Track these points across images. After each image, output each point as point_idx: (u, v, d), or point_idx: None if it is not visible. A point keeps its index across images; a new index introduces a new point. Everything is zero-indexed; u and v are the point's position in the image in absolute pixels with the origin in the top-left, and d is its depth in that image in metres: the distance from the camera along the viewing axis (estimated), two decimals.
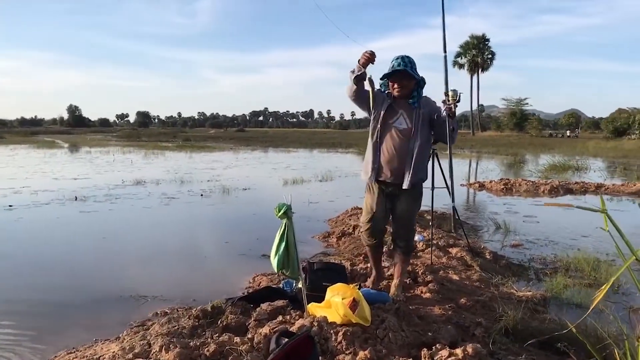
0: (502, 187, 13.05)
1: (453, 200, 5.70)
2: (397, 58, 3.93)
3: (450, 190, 5.65)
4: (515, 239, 7.11)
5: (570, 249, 6.55)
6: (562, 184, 12.97)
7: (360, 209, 8.99)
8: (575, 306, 4.51)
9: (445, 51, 5.65)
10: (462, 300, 4.04)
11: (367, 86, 3.93)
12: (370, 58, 3.65)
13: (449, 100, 4.27)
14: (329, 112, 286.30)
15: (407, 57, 3.94)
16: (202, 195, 11.42)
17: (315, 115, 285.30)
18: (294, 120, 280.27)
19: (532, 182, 13.56)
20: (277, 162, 22.98)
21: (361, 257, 5.60)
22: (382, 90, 4.09)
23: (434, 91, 4.28)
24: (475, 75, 69.54)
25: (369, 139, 4.03)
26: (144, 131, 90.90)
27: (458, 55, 67.98)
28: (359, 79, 3.74)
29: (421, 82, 4.00)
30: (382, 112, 3.96)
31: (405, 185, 3.91)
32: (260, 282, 4.97)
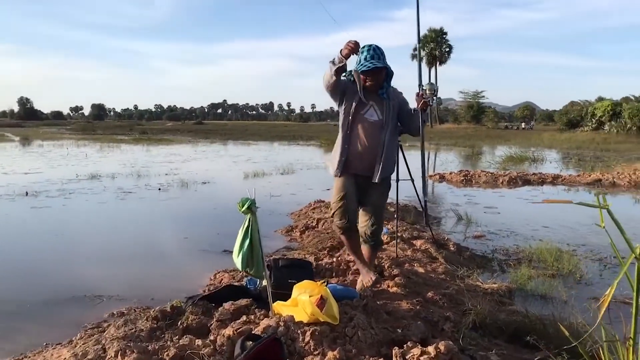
0: (462, 178, 13.16)
1: (425, 195, 5.49)
2: (369, 49, 3.72)
3: (423, 184, 5.45)
4: (477, 230, 7.13)
5: (532, 239, 6.59)
6: (520, 175, 13.15)
7: (323, 201, 8.96)
8: (540, 297, 4.51)
9: (419, 42, 5.39)
10: (429, 294, 3.97)
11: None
12: (354, 49, 3.51)
13: (426, 94, 4.22)
14: (289, 104, 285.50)
15: (378, 48, 3.75)
16: (159, 189, 11.12)
17: (276, 108, 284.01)
18: (254, 112, 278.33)
19: (491, 173, 13.73)
20: (237, 155, 22.68)
21: (325, 252, 5.49)
22: (351, 80, 3.92)
23: (394, 84, 4.16)
24: (433, 68, 70.31)
25: (340, 131, 3.91)
26: (99, 124, 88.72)
27: (416, 48, 68.61)
28: (340, 71, 3.60)
29: (390, 73, 3.89)
30: (353, 104, 3.82)
31: (375, 179, 3.82)
32: (222, 279, 4.80)
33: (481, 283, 4.59)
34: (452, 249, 5.65)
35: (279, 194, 10.57)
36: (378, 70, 3.76)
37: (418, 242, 5.71)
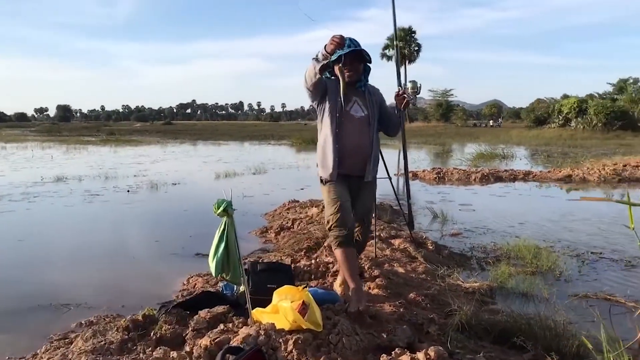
0: (435, 176, 13.15)
1: (409, 197, 5.21)
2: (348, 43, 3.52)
3: (407, 188, 5.22)
4: (454, 228, 7.08)
5: (509, 236, 6.56)
6: (491, 172, 13.21)
7: (298, 201, 8.81)
8: (521, 295, 4.44)
9: (396, 38, 5.09)
10: (411, 295, 3.86)
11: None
12: (339, 44, 3.22)
13: (408, 92, 3.91)
14: (259, 104, 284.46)
15: (354, 39, 3.58)
16: (128, 191, 10.82)
17: (246, 108, 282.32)
18: (224, 112, 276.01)
19: (464, 170, 13.77)
20: (207, 155, 22.36)
21: (302, 253, 5.35)
22: (329, 76, 3.70)
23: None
24: (403, 67, 70.63)
25: (327, 130, 3.58)
26: (65, 125, 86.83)
27: (386, 47, 68.78)
28: (324, 68, 3.34)
29: (367, 68, 3.72)
30: (340, 100, 3.54)
31: (368, 177, 3.64)
32: (196, 284, 4.62)
33: (462, 282, 4.50)
34: (430, 247, 5.56)
35: (252, 194, 10.38)
36: (358, 59, 3.58)
37: (396, 242, 5.61)
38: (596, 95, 57.91)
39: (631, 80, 73.00)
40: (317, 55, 3.34)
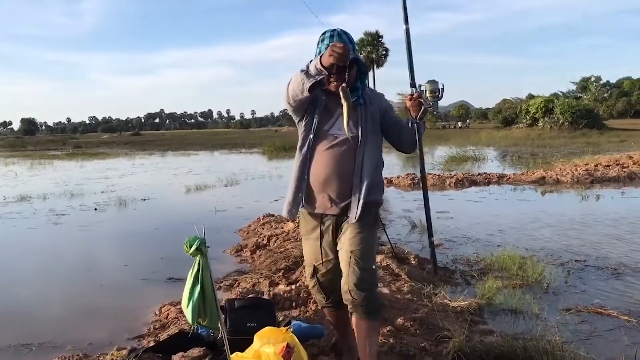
0: (410, 182, 13.00)
1: (431, 235, 3.74)
2: (332, 35, 2.69)
3: (428, 222, 3.75)
4: (435, 239, 6.89)
5: (491, 246, 6.43)
6: (466, 176, 13.14)
7: (273, 215, 8.54)
8: (510, 312, 4.28)
9: (406, 21, 3.45)
10: (399, 320, 3.66)
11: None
12: (343, 56, 2.35)
13: (425, 96, 2.79)
14: (228, 111, 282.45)
15: (345, 32, 2.71)
16: (96, 209, 10.40)
17: (215, 115, 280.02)
18: (192, 121, 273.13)
19: (438, 175, 13.67)
20: (177, 166, 21.90)
21: (281, 274, 5.10)
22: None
23: None
24: (371, 72, 70.90)
25: (297, 154, 2.81)
26: (30, 139, 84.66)
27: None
28: (316, 85, 2.51)
29: (363, 68, 2.78)
30: (315, 117, 2.73)
31: (353, 218, 2.65)
32: (169, 314, 4.34)
33: (450, 301, 4.32)
34: (413, 262, 5.38)
35: (225, 208, 10.08)
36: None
37: (377, 258, 5.40)
38: (560, 94, 58.97)
39: (593, 79, 74.86)
40: (307, 67, 2.53)
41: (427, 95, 2.79)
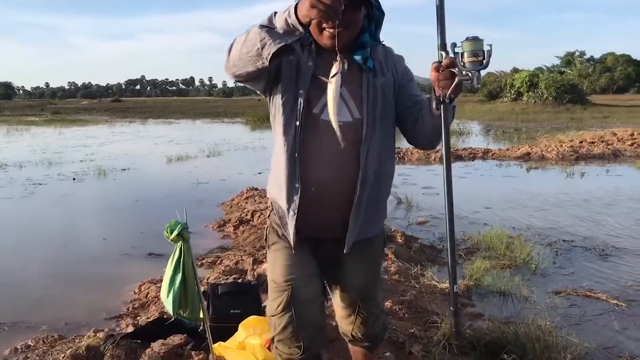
0: (395, 156, 12.88)
1: (453, 250, 2.04)
2: None
3: (451, 242, 2.05)
4: (420, 216, 6.81)
5: (477, 223, 6.36)
6: (451, 150, 13.04)
7: (257, 189, 8.35)
8: (499, 294, 4.21)
9: None
10: (387, 303, 3.56)
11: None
12: (332, 8, 1.48)
13: (461, 64, 1.69)
14: (210, 79, 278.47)
15: None
16: (74, 179, 10.15)
17: (197, 83, 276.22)
18: (174, 88, 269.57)
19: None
20: (158, 135, 21.52)
21: (264, 251, 4.96)
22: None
23: None
24: None
25: (280, 150, 1.88)
26: (7, 104, 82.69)
27: None
28: (284, 51, 1.64)
29: (375, 13, 1.92)
30: (300, 94, 1.83)
31: (350, 242, 1.89)
32: (148, 293, 4.20)
33: (437, 282, 4.25)
34: (400, 241, 5.28)
35: (207, 180, 9.88)
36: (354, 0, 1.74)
37: None
38: (545, 68, 59.08)
39: (577, 53, 75.01)
40: (270, 21, 1.63)
41: (465, 60, 1.70)
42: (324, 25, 1.76)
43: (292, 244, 1.89)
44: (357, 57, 1.83)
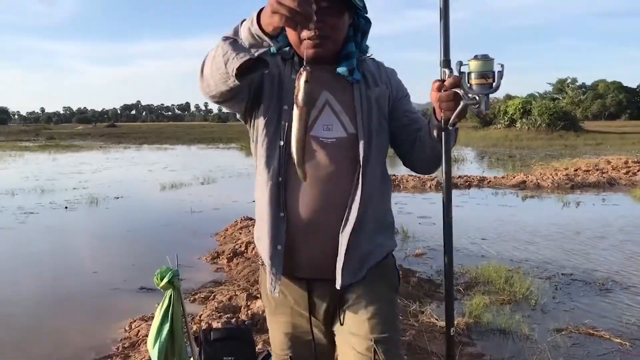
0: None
1: (450, 294, 1.82)
2: None
3: (447, 272, 1.84)
4: (417, 247, 6.72)
5: (475, 256, 6.27)
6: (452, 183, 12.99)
7: (251, 219, 8.24)
8: (499, 332, 4.10)
9: None
10: None
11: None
12: (298, 13, 1.22)
13: (465, 84, 1.49)
14: (206, 104, 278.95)
15: None
16: (66, 207, 10.01)
17: (192, 108, 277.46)
18: (170, 113, 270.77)
19: (418, 177, 13.48)
20: (152, 161, 21.43)
21: (258, 285, 4.85)
22: (271, 50, 1.49)
23: None
24: None
25: (261, 177, 1.66)
26: (2, 129, 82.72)
27: None
28: (257, 67, 1.43)
29: (361, 22, 1.72)
30: (282, 111, 1.63)
31: (346, 280, 1.62)
32: (139, 331, 4.07)
33: (437, 320, 4.14)
34: None
35: (201, 209, 9.77)
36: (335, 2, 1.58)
37: None
38: (537, 94, 59.56)
39: (569, 80, 75.82)
40: (235, 31, 1.40)
41: (472, 82, 1.48)
42: (302, 34, 1.58)
43: (275, 291, 1.64)
44: (342, 69, 1.65)
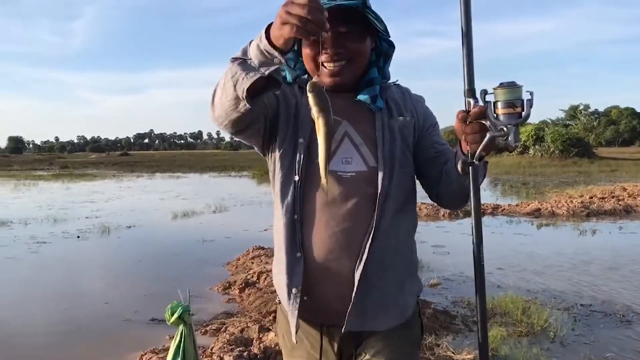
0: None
1: (485, 341, 1.70)
2: None
3: (480, 314, 1.71)
4: (432, 278, 6.62)
5: (491, 286, 6.14)
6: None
7: (263, 247, 8.20)
8: None
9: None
10: None
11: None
12: (310, 21, 1.12)
13: (491, 114, 1.38)
14: (218, 132, 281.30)
15: None
16: (78, 237, 10.02)
17: (205, 137, 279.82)
18: (182, 142, 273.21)
19: (431, 205, 13.40)
20: (165, 190, 21.48)
21: (271, 317, 4.78)
22: (287, 79, 1.62)
23: None
24: None
25: (277, 210, 1.58)
26: (17, 158, 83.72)
27: None
28: (271, 86, 1.34)
29: (383, 46, 1.63)
30: (299, 143, 1.55)
31: (351, 326, 1.54)
32: None
33: (453, 353, 4.04)
34: None
35: (212, 238, 9.73)
36: (346, 23, 1.48)
37: None
38: (549, 121, 59.43)
39: (582, 107, 75.70)
40: (244, 52, 1.30)
41: (499, 111, 1.37)
42: (321, 59, 1.49)
43: (293, 337, 1.55)
44: (364, 97, 1.56)
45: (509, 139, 1.36)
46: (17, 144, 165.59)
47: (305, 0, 1.12)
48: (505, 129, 1.35)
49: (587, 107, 75.76)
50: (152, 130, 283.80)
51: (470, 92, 1.45)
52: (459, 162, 1.45)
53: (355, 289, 1.48)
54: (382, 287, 1.53)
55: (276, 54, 1.22)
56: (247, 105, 1.31)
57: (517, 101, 1.35)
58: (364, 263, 1.48)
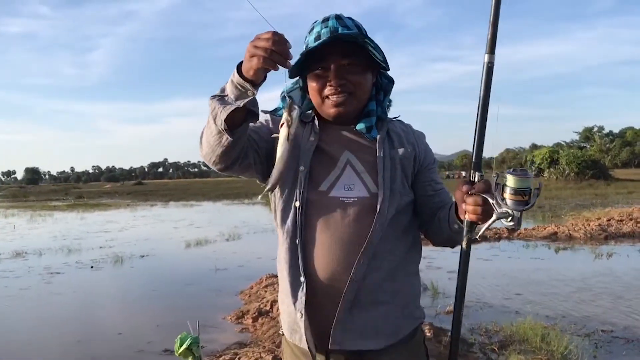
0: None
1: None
2: (326, 20, 1.59)
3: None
4: (448, 304, 6.49)
5: (509, 313, 6.02)
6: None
7: (276, 276, 8.12)
8: None
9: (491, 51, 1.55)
10: None
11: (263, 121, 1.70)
12: (273, 52, 1.25)
13: (502, 200, 1.42)
14: None
15: (349, 18, 1.61)
16: (92, 267, 10.02)
17: None
18: (196, 170, 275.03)
19: None
20: (178, 219, 21.53)
21: None
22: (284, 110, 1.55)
23: None
24: None
25: (280, 237, 1.66)
26: (33, 189, 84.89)
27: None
28: (239, 119, 1.40)
29: (383, 81, 1.70)
30: (300, 170, 1.59)
31: (336, 340, 1.55)
32: None
33: None
34: (428, 334, 4.97)
35: (225, 266, 9.68)
36: (348, 55, 1.56)
37: None
38: (563, 143, 59.13)
39: (596, 129, 75.27)
40: (223, 89, 1.40)
41: (507, 196, 1.40)
42: (325, 92, 1.59)
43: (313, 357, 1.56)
44: (360, 126, 1.62)
45: (514, 222, 1.42)
46: (33, 175, 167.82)
47: (269, 35, 1.26)
48: (510, 212, 1.41)
49: (601, 128, 75.36)
50: (166, 159, 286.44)
51: (477, 165, 1.52)
52: (455, 224, 1.54)
53: (339, 305, 1.51)
54: (373, 308, 1.56)
55: (248, 85, 1.32)
56: (229, 138, 1.40)
57: (526, 190, 1.40)
58: (356, 277, 1.52)
